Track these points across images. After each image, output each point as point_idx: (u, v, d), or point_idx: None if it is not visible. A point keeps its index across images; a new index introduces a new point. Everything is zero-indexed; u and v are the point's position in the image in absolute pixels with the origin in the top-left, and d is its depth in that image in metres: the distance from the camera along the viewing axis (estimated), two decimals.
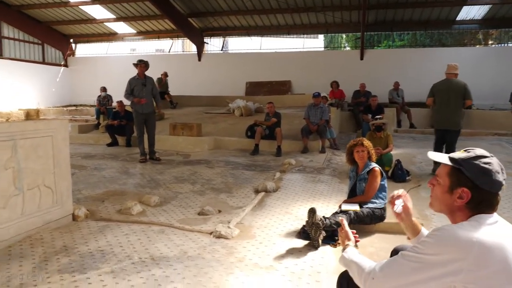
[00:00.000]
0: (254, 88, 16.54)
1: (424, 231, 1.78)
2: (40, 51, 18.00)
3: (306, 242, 3.63)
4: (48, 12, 16.69)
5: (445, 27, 15.74)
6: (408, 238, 1.83)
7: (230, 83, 16.70)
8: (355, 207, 3.90)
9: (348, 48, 19.32)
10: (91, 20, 17.18)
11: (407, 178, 5.96)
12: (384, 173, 4.17)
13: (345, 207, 3.96)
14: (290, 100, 13.89)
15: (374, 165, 4.12)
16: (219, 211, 4.67)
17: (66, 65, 19.01)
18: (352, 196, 4.21)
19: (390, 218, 4.10)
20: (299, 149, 8.36)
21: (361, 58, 15.64)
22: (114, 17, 16.81)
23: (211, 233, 3.89)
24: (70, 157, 7.81)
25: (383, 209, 4.02)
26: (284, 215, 4.45)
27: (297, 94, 15.11)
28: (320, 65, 16.01)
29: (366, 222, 3.96)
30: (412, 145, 9.15)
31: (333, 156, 7.97)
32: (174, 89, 14.75)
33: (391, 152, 6.45)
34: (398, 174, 5.93)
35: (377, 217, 3.98)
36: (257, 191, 5.44)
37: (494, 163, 1.40)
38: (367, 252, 3.49)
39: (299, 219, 4.21)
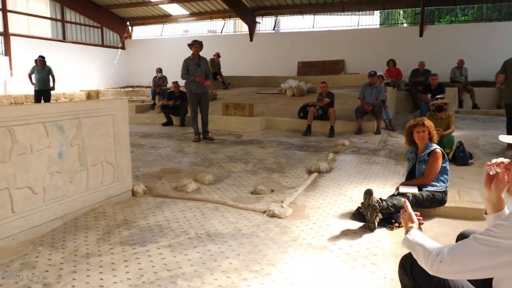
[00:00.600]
0: (306, 68, 16.26)
1: (507, 210, 1.64)
2: (100, 34, 18.79)
3: (361, 224, 3.54)
4: None
5: None
6: (485, 213, 1.69)
7: (282, 63, 16.53)
8: (414, 190, 3.74)
9: (406, 25, 18.38)
10: (146, 3, 17.60)
11: (469, 161, 5.63)
12: (445, 155, 3.95)
13: (403, 189, 3.81)
14: (344, 80, 13.52)
15: (435, 146, 3.91)
16: (272, 191, 4.67)
17: (123, 48, 19.72)
18: (410, 179, 4.03)
19: (450, 202, 3.90)
20: (353, 130, 8.15)
21: (420, 35, 14.84)
22: None
23: (264, 212, 3.90)
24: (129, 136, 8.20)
25: (444, 192, 3.83)
26: (338, 196, 4.37)
27: (351, 74, 14.68)
28: (376, 43, 15.40)
29: (426, 206, 3.79)
30: (475, 127, 8.61)
31: (389, 138, 7.69)
32: (226, 70, 14.85)
33: (453, 134, 6.11)
34: (460, 157, 5.61)
35: (437, 200, 3.80)
36: (310, 172, 5.39)
37: None
38: (427, 236, 3.35)
39: (353, 201, 4.12)
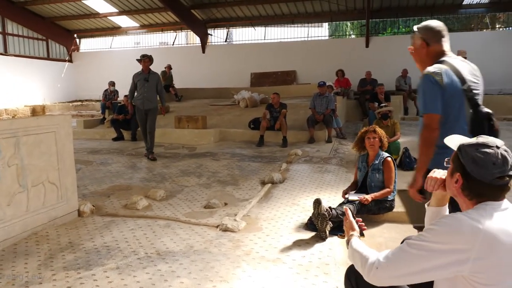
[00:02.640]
0: (259, 79, 16.41)
1: (447, 209, 1.70)
2: (45, 47, 18.00)
3: (313, 233, 3.58)
4: (51, 7, 16.64)
5: (452, 11, 15.46)
6: (428, 205, 1.73)
7: (235, 74, 16.57)
8: (362, 196, 3.83)
9: (353, 36, 19.07)
10: (94, 15, 17.11)
11: (415, 166, 5.85)
12: (394, 162, 4.08)
13: (352, 197, 3.90)
14: (296, 90, 13.78)
15: (386, 154, 4.02)
16: (225, 204, 4.63)
17: (70, 61, 19.00)
18: (362, 187, 4.09)
19: (398, 207, 4.03)
20: (306, 139, 8.29)
21: (367, 46, 15.43)
22: (117, 10, 16.72)
23: (217, 227, 3.85)
24: (76, 153, 7.82)
25: (392, 199, 3.95)
26: (291, 206, 4.40)
27: (303, 84, 14.97)
28: (325, 54, 15.83)
29: (374, 212, 3.89)
30: None
31: (340, 146, 7.89)
32: (179, 82, 14.69)
33: (399, 140, 6.36)
34: (406, 163, 5.84)
35: (385, 206, 3.91)
36: (263, 183, 5.39)
37: (494, 154, 1.33)
38: (376, 242, 3.43)
39: (306, 210, 4.16)
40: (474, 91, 2.24)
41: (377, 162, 4.01)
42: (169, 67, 14.04)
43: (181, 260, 3.09)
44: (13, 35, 16.42)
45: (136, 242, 3.50)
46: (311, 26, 17.61)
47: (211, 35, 17.86)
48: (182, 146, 8.40)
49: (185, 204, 4.67)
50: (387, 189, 3.90)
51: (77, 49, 19.43)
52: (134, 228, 3.85)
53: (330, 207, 3.61)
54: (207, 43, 17.65)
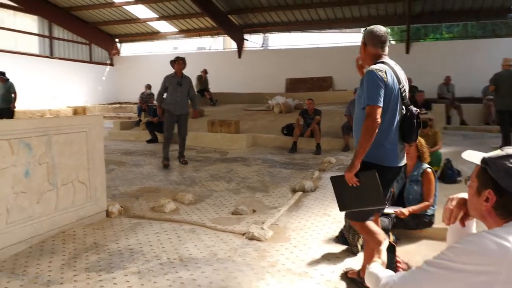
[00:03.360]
0: (294, 85, 16.25)
1: (473, 227, 1.49)
2: (88, 50, 18.65)
3: (345, 247, 3.37)
4: (95, 13, 17.23)
5: (500, 16, 14.68)
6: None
7: (270, 79, 16.49)
8: (398, 209, 3.58)
9: (393, 42, 18.56)
10: (134, 20, 17.55)
11: (458, 178, 5.50)
12: (435, 174, 3.78)
13: (387, 209, 3.65)
14: (332, 96, 13.50)
15: (426, 165, 3.73)
16: (254, 211, 4.49)
17: (111, 64, 19.58)
18: (399, 200, 3.83)
19: (439, 223, 3.75)
20: (340, 147, 8.03)
21: (407, 52, 14.93)
22: (157, 16, 17.08)
23: (243, 234, 3.72)
24: (111, 153, 7.97)
25: (432, 214, 3.67)
26: (322, 216, 4.21)
27: (339, 90, 14.67)
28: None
29: (411, 227, 3.63)
30: (463, 143, 8.54)
31: None
32: (214, 86, 14.75)
33: (440, 151, 6.01)
34: (448, 175, 5.48)
35: (423, 222, 3.64)
36: (294, 191, 5.22)
37: None
38: (414, 261, 3.18)
39: (338, 222, 3.95)
40: (406, 92, 2.54)
41: (415, 173, 3.74)
42: (205, 72, 14.14)
43: (204, 268, 2.98)
44: (58, 39, 17.11)
45: (160, 246, 3.43)
46: (348, 32, 17.29)
47: (247, 40, 17.88)
48: (214, 150, 8.37)
49: (212, 209, 4.58)
50: (426, 203, 3.62)
51: (118, 53, 19.99)
52: (159, 231, 3.78)
53: None
54: (243, 48, 17.68)
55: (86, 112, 15.95)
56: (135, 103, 15.76)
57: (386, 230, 3.43)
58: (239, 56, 17.50)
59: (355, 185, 2.47)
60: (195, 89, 13.75)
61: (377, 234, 2.53)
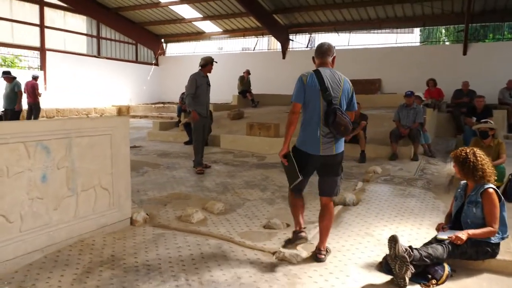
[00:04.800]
0: None
1: None
2: (134, 50, 19.00)
3: (389, 277, 2.88)
4: (141, 13, 17.49)
5: None
6: None
7: None
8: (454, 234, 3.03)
9: (448, 43, 17.41)
10: (180, 20, 17.65)
11: None
12: (501, 196, 3.17)
13: (442, 235, 3.11)
14: (380, 100, 12.77)
15: (488, 185, 3.15)
16: (288, 225, 4.08)
17: (157, 64, 19.84)
18: (457, 222, 3.27)
19: (505, 253, 3.15)
20: (387, 156, 7.41)
21: (464, 53, 13.90)
22: (201, 16, 17.07)
23: (274, 253, 3.32)
24: (147, 154, 7.83)
25: (497, 244, 3.08)
26: (364, 236, 3.72)
27: (388, 94, 13.90)
28: (415, 61, 14.57)
29: (471, 256, 3.06)
30: None
31: (428, 165, 6.91)
32: (257, 88, 14.43)
33: (504, 165, 5.29)
34: None
35: (486, 251, 3.06)
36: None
37: None
38: None
39: (382, 245, 3.45)
40: (330, 92, 3.07)
41: (473, 193, 3.17)
42: (247, 72, 13.86)
43: None
44: (106, 39, 17.54)
45: (180, 263, 3.10)
46: (400, 32, 16.40)
47: (292, 40, 17.44)
48: (252, 154, 8.02)
49: (243, 221, 4.21)
50: (490, 228, 3.04)
51: (163, 53, 20.23)
52: (182, 245, 3.46)
53: (410, 247, 2.88)
54: (288, 49, 17.26)
55: (130, 111, 16.18)
56: (177, 103, 15.79)
57: (440, 260, 2.92)
58: (283, 57, 17.11)
59: (285, 164, 3.25)
60: (238, 89, 13.63)
61: (293, 203, 3.45)
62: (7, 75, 10.05)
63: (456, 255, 3.00)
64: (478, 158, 3.12)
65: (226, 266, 3.08)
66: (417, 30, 17.43)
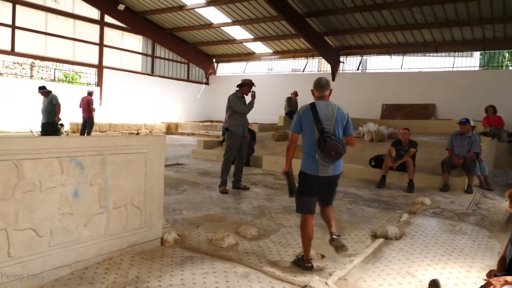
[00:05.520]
0: (391, 111, 15.09)
1: None
2: (186, 69, 19.58)
3: None
4: (195, 33, 18.05)
5: None
6: None
7: (365, 104, 15.56)
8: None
9: (511, 68, 16.37)
10: (231, 41, 18.01)
11: None
12: None
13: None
14: (433, 126, 12.15)
15: None
16: (322, 256, 3.84)
17: (207, 83, 20.29)
18: (511, 267, 2.90)
19: None
20: (438, 186, 6.93)
21: None
22: (252, 37, 17.30)
23: (303, 287, 3.10)
24: (188, 172, 7.87)
25: None
26: (404, 276, 3.39)
27: (442, 120, 13.20)
28: (473, 87, 13.80)
29: None
30: None
31: (483, 199, 6.35)
32: None
33: None
34: None
35: None
36: (374, 236, 4.44)
37: None
38: None
39: (424, 286, 3.12)
40: (322, 123, 3.50)
41: None
42: (295, 94, 13.77)
43: None
44: (160, 58, 18.24)
45: None
46: (458, 56, 15.64)
47: (343, 62, 17.17)
48: (293, 177, 7.79)
49: (276, 248, 4.02)
50: None
51: (214, 72, 20.67)
52: (208, 271, 3.33)
53: None
54: (338, 71, 17.00)
55: (178, 128, 16.55)
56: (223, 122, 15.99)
57: None
58: (333, 79, 16.87)
59: (287, 180, 3.86)
60: (284, 111, 13.54)
61: (304, 230, 3.65)
62: (43, 90, 10.24)
63: None
64: None
65: None
66: (477, 54, 16.55)
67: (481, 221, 5.13)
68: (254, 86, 6.59)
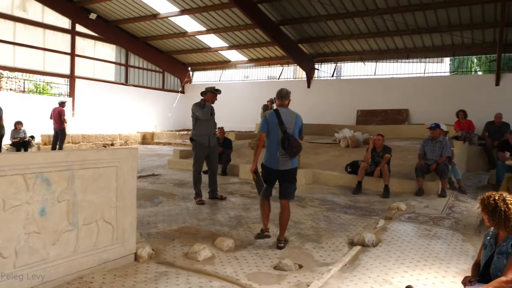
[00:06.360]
0: (366, 117, 15.30)
1: None
2: (161, 78, 19.37)
3: None
4: (169, 42, 17.91)
5: None
6: None
7: (340, 111, 15.73)
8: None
9: (480, 73, 16.89)
10: (206, 49, 17.94)
11: None
12: None
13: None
14: (407, 131, 12.37)
15: None
16: (300, 266, 3.81)
17: (183, 92, 20.12)
18: (485, 273, 2.92)
19: None
20: (412, 191, 7.02)
21: (497, 84, 13.37)
22: (227, 45, 17.29)
23: None
24: (164, 183, 7.73)
25: None
26: (382, 284, 3.39)
27: (416, 124, 13.45)
28: (445, 92, 14.14)
29: None
30: None
31: (457, 202, 6.47)
32: None
33: None
34: None
35: None
36: (351, 243, 4.44)
37: None
38: None
39: None
40: (285, 125, 4.27)
41: (504, 243, 2.81)
42: (271, 101, 13.76)
43: None
44: (134, 67, 17.99)
45: None
46: (429, 62, 16.04)
47: (318, 69, 17.34)
48: None
49: (253, 260, 3.96)
50: (502, 279, 2.63)
51: (190, 81, 20.54)
52: (183, 287, 3.24)
53: None
54: (313, 78, 17.16)
55: (154, 137, 16.32)
56: None
57: None
58: (308, 86, 17.01)
59: (254, 178, 4.55)
60: (261, 118, 13.55)
61: (262, 209, 4.59)
62: None
63: None
64: (510, 206, 2.77)
65: None
66: (447, 60, 17.01)
67: (455, 224, 5.21)
68: (219, 92, 6.37)
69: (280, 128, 4.25)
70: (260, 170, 4.51)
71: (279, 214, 4.39)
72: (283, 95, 4.43)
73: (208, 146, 6.35)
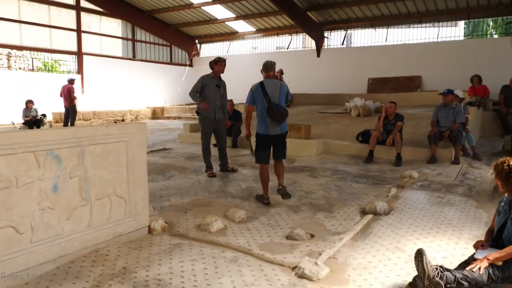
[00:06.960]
0: (377, 85, 15.04)
1: None
2: (168, 52, 19.18)
3: None
4: (175, 15, 17.61)
5: None
6: None
7: (351, 79, 15.47)
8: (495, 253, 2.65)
9: (495, 36, 16.35)
10: (213, 20, 17.63)
11: None
12: None
13: (480, 254, 2.74)
14: (419, 98, 12.15)
15: None
16: (312, 236, 3.84)
17: (191, 65, 19.94)
18: (498, 238, 2.89)
19: None
20: (425, 158, 6.93)
21: None
22: (234, 16, 16.95)
23: (293, 269, 3.08)
24: (175, 157, 7.76)
25: None
26: (394, 252, 3.39)
27: (428, 91, 13.17)
28: (459, 57, 13.75)
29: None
30: None
31: (470, 169, 6.39)
32: (291, 87, 13.93)
33: None
34: None
35: None
36: (363, 212, 4.44)
37: None
38: None
39: (414, 262, 3.12)
40: (269, 95, 4.72)
41: None
42: (280, 72, 13.58)
43: None
44: (140, 41, 17.81)
45: (192, 279, 2.93)
46: (442, 26, 15.52)
47: (327, 38, 16.97)
48: None
49: (265, 230, 4.00)
50: None
51: (198, 54, 20.31)
52: (197, 258, 3.29)
53: (441, 267, 2.55)
54: (323, 47, 16.82)
55: (164, 112, 16.33)
56: None
57: (480, 284, 2.57)
58: (318, 55, 16.70)
59: (249, 144, 5.40)
60: None
61: (262, 175, 4.94)
62: None
63: (498, 280, 2.63)
64: None
65: (240, 283, 2.87)
66: (461, 23, 16.46)
67: (469, 191, 5.16)
68: (221, 60, 6.30)
69: (265, 99, 4.70)
70: (254, 139, 4.98)
71: (274, 168, 4.96)
72: (267, 67, 4.84)
73: (214, 120, 6.31)
